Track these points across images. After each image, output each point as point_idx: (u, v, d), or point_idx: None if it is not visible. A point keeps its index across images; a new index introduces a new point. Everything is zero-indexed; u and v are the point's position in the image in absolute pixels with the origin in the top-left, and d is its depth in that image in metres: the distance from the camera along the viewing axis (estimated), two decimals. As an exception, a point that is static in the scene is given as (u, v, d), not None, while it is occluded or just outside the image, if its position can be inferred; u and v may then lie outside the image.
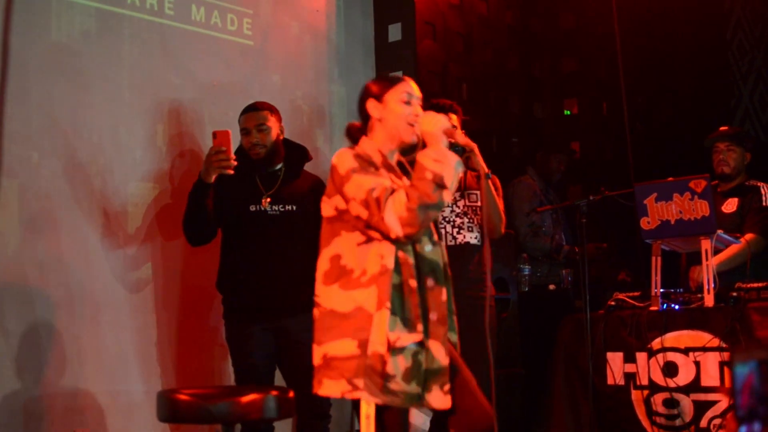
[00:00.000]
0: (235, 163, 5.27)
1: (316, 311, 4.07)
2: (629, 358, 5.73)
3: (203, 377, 6.06)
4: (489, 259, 4.40)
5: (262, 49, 6.71)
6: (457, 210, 5.66)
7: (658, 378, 5.59)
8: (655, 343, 5.63)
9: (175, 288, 6.04)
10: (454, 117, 5.64)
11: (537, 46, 8.64)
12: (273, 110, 5.60)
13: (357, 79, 7.39)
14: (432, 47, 7.46)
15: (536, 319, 7.09)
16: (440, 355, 3.95)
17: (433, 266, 4.03)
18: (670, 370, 5.56)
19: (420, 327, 3.92)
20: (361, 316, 3.92)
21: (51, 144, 5.54)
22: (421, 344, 3.92)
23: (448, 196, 3.88)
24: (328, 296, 4.02)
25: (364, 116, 4.22)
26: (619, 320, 5.81)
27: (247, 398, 4.37)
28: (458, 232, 5.64)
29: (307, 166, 5.67)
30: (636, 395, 5.69)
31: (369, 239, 3.97)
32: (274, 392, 4.49)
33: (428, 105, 5.76)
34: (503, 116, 8.16)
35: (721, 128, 6.72)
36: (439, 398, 3.94)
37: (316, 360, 4.02)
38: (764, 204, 6.31)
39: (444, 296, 4.03)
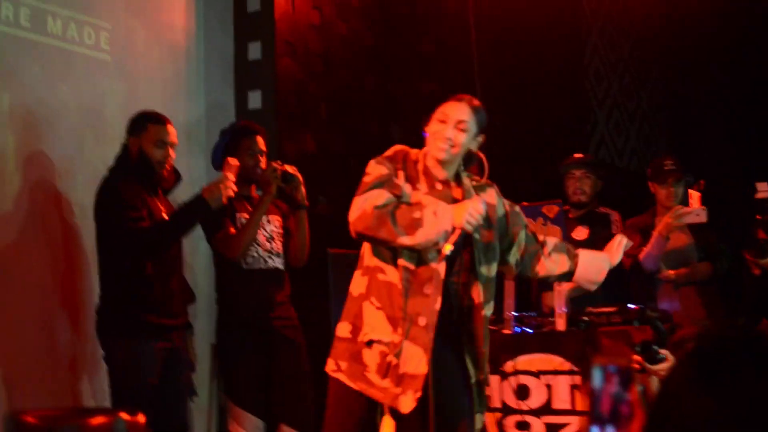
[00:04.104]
0: (233, 194, 5.28)
1: None
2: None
3: (56, 397, 5.86)
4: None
5: (121, 64, 6.62)
6: (266, 234, 5.68)
7: (511, 401, 5.67)
8: (508, 366, 5.70)
9: (10, 298, 5.77)
10: (260, 140, 5.72)
11: (396, 68, 8.68)
12: None
13: (216, 96, 7.33)
14: (291, 66, 7.45)
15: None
16: (417, 359, 4.02)
17: (433, 275, 4.07)
18: (522, 393, 5.64)
19: (401, 330, 4.02)
20: (356, 302, 4.15)
21: None
22: (397, 345, 4.03)
23: (403, 240, 3.93)
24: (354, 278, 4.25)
25: None
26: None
27: (95, 421, 4.33)
28: (269, 257, 5.68)
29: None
30: (489, 418, 5.75)
31: None
32: (124, 415, 4.44)
33: (237, 128, 5.82)
34: (362, 137, 8.18)
35: (576, 155, 6.83)
36: (407, 403, 4.02)
37: None
38: (613, 232, 6.44)
39: (438, 305, 4.08)
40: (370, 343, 4.07)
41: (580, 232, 6.51)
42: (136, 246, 5.24)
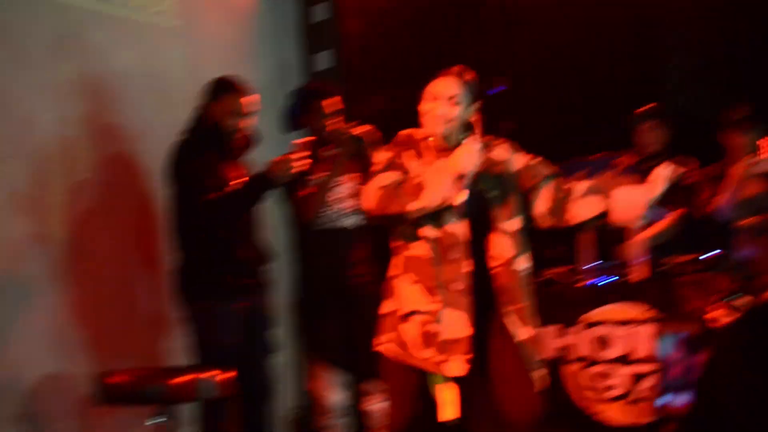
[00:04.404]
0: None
1: None
2: (563, 333, 5.77)
3: (137, 357, 5.89)
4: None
5: (187, 29, 6.64)
6: (339, 194, 5.63)
7: (592, 351, 5.64)
8: (588, 317, 5.68)
9: (89, 264, 5.87)
10: (332, 102, 5.62)
11: (463, 23, 8.61)
12: None
13: (283, 59, 7.32)
14: (358, 26, 7.41)
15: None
16: (460, 323, 4.06)
17: (457, 239, 4.12)
18: (603, 343, 5.62)
19: (438, 297, 4.08)
20: (392, 282, 4.25)
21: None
22: (436, 312, 4.09)
23: (412, 206, 4.05)
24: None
25: None
26: (552, 295, 5.84)
27: (182, 379, 4.36)
28: (341, 217, 5.63)
29: None
30: (570, 368, 5.73)
31: None
32: (209, 372, 4.47)
33: (308, 89, 5.75)
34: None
35: (647, 106, 6.77)
36: (455, 368, 4.05)
37: None
38: (686, 182, 6.38)
39: (468, 268, 4.11)
40: (407, 316, 4.14)
41: (653, 182, 6.44)
42: (204, 216, 5.23)
